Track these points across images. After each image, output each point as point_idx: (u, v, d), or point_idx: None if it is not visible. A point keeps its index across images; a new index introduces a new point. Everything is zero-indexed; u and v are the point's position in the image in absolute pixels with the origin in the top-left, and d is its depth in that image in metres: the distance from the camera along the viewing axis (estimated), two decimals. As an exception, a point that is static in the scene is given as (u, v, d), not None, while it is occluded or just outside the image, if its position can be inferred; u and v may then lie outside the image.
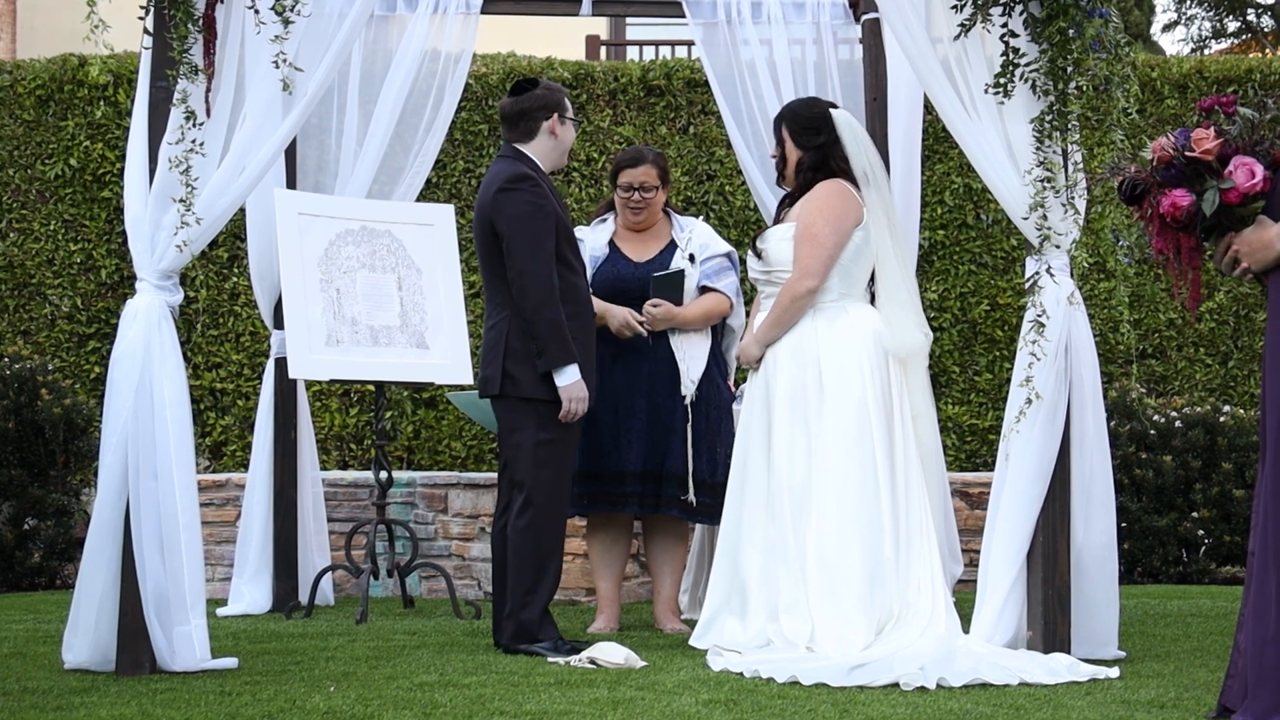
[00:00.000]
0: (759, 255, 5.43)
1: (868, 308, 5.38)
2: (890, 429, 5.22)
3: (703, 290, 5.92)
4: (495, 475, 7.26)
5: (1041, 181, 4.82)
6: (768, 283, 5.42)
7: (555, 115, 5.36)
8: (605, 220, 6.09)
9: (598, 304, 5.69)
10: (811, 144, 5.41)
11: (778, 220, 5.50)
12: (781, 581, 5.12)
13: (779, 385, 5.25)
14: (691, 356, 5.84)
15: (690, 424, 5.79)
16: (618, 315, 5.79)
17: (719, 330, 6.03)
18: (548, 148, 5.37)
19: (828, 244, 5.29)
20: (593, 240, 5.99)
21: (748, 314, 6.26)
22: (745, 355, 5.45)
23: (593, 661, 4.82)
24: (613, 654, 4.82)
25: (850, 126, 5.49)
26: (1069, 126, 4.85)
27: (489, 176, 5.37)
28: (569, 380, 5.16)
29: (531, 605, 5.15)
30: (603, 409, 5.71)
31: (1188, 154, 3.68)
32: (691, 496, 5.74)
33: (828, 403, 5.19)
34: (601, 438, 5.76)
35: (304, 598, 6.47)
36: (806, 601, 5.05)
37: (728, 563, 5.30)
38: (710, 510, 5.76)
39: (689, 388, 5.79)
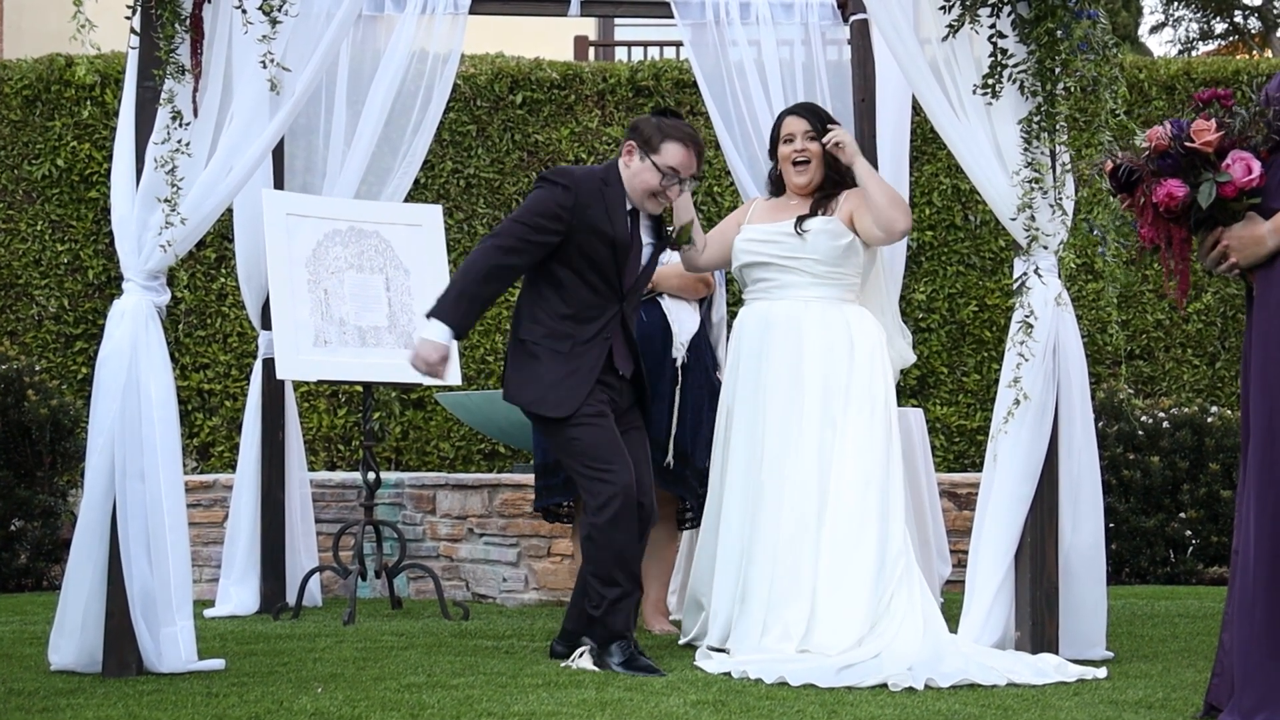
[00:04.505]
0: (801, 235, 5.32)
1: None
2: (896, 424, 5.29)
3: None
4: (482, 476, 7.28)
5: (1029, 182, 4.83)
6: (786, 269, 5.34)
7: (631, 143, 5.07)
8: None
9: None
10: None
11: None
12: (785, 576, 5.11)
13: (810, 380, 5.23)
14: (680, 320, 5.84)
15: (679, 388, 5.78)
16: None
17: (705, 321, 6.04)
18: (625, 173, 5.08)
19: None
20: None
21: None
22: (851, 154, 5.30)
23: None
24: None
25: None
26: (1057, 127, 4.85)
27: None
28: (425, 334, 4.86)
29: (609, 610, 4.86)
30: None
31: (1187, 144, 3.67)
32: (670, 459, 5.72)
33: (859, 398, 5.20)
34: None
35: (291, 599, 6.46)
36: (813, 595, 5.04)
37: (734, 560, 5.26)
38: (685, 485, 5.75)
39: (680, 350, 5.79)
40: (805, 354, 5.25)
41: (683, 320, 5.87)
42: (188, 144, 4.67)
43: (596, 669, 4.73)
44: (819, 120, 5.46)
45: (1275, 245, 3.61)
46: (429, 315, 4.90)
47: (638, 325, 5.71)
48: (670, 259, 5.88)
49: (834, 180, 5.42)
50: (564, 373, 4.94)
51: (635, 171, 5.04)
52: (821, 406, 5.20)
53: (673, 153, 5.02)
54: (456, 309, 4.88)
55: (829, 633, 4.96)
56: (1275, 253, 3.62)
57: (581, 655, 4.84)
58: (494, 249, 4.90)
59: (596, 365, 4.96)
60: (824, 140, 5.40)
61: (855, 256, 5.36)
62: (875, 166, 6.19)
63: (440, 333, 4.86)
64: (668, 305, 5.85)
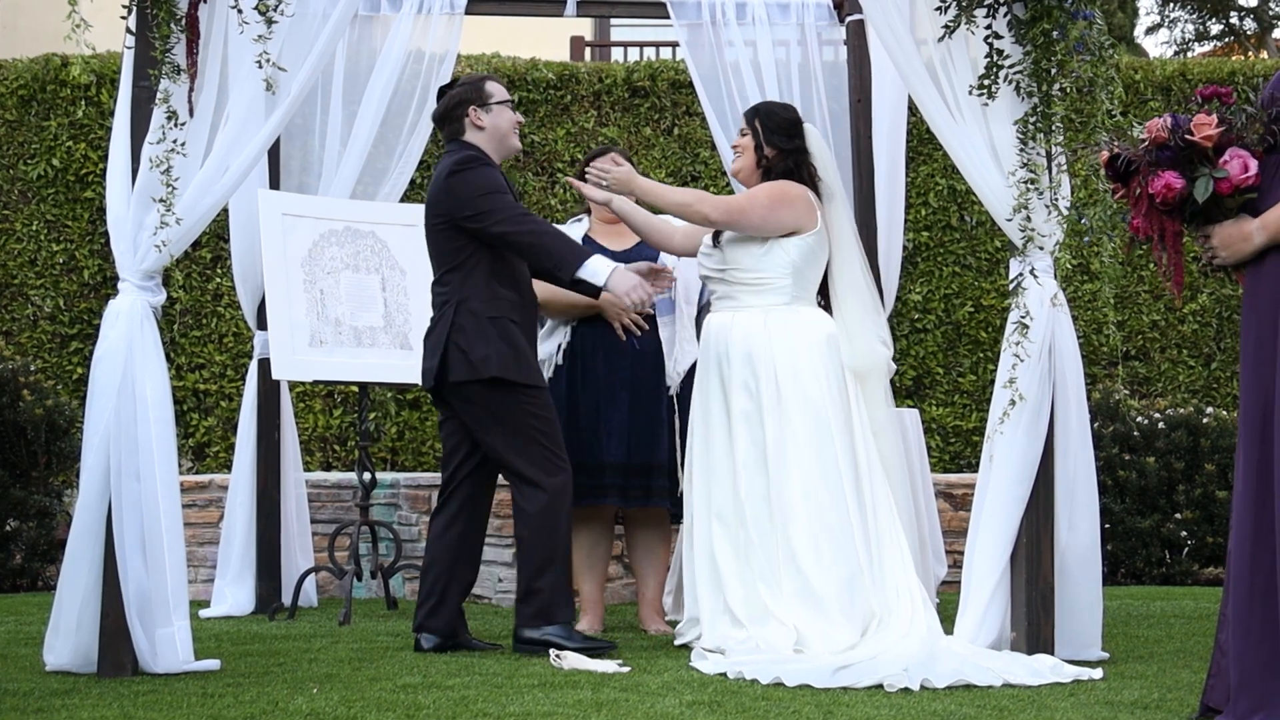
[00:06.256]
0: (717, 246, 5.36)
1: (820, 311, 5.38)
2: (850, 431, 5.23)
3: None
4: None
5: (1025, 183, 4.83)
6: (720, 281, 5.37)
7: (473, 106, 5.29)
8: (580, 220, 6.12)
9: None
10: (782, 146, 5.40)
11: None
12: (750, 587, 5.11)
13: (734, 390, 5.23)
14: (681, 347, 5.82)
15: (677, 414, 5.78)
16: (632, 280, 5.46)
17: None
18: (482, 140, 5.30)
19: (750, 212, 5.27)
20: (568, 234, 6.02)
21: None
22: (623, 186, 5.38)
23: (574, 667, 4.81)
24: (592, 663, 4.81)
25: (819, 141, 5.52)
26: (1053, 128, 4.85)
27: (438, 169, 5.30)
28: (605, 278, 5.10)
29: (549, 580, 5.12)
30: (584, 399, 5.71)
31: (1186, 137, 3.67)
32: (682, 488, 5.73)
33: (786, 408, 5.17)
34: (582, 429, 5.73)
35: (287, 599, 6.45)
36: (785, 610, 5.04)
37: (707, 564, 5.26)
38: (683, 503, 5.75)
39: (674, 380, 5.78)
40: (732, 368, 5.25)
41: (682, 347, 5.83)
42: (183, 144, 4.67)
43: (592, 670, 4.73)
44: (754, 115, 5.50)
45: (1261, 242, 3.62)
46: (580, 273, 5.11)
47: (630, 354, 5.73)
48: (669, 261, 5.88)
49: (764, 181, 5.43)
50: (527, 342, 5.19)
51: (494, 121, 5.31)
52: (745, 422, 5.19)
53: (496, 88, 5.36)
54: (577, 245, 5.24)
55: (818, 643, 4.94)
56: (1262, 250, 3.63)
57: (563, 656, 4.86)
58: (522, 216, 5.15)
59: (534, 335, 5.33)
60: (591, 180, 5.47)
61: (779, 256, 5.28)
62: (871, 167, 6.21)
63: (606, 263, 5.14)
64: (667, 335, 5.82)
